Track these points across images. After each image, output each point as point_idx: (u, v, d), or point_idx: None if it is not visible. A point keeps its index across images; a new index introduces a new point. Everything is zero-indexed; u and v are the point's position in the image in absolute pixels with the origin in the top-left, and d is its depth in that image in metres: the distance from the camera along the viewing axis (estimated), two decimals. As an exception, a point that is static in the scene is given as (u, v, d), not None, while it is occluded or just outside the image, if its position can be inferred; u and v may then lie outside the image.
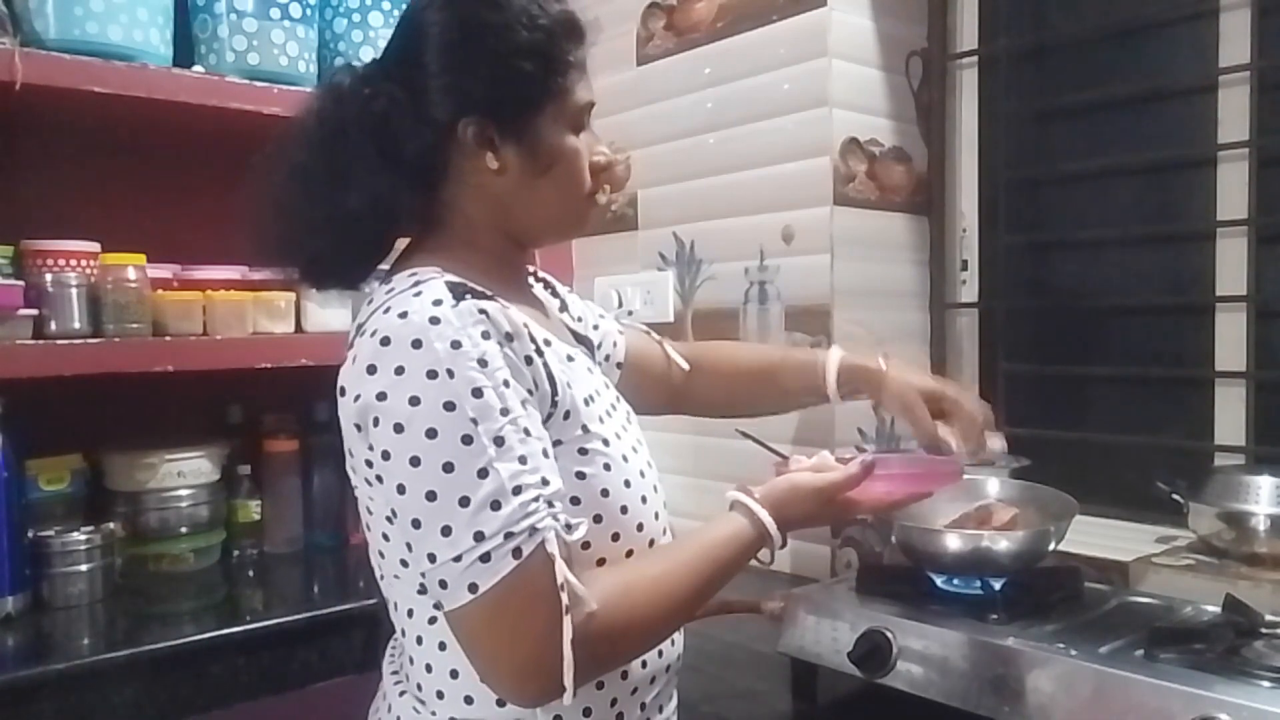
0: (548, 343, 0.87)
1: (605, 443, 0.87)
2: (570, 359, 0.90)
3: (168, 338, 1.49)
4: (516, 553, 0.74)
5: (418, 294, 0.79)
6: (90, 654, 1.25)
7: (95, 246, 1.49)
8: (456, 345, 0.76)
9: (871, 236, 1.67)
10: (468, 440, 0.75)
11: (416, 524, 0.76)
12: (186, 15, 1.60)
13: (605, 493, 0.85)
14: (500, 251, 0.94)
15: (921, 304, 1.77)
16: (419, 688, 0.88)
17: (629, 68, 1.91)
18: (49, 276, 1.42)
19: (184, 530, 1.59)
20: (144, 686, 1.23)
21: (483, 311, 0.78)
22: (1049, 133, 1.73)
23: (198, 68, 1.57)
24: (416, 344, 0.76)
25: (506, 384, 0.77)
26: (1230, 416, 1.47)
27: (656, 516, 0.91)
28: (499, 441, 0.75)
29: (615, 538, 0.86)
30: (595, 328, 1.13)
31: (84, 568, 1.42)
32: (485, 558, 0.74)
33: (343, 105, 0.89)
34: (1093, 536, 1.38)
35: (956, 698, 1.01)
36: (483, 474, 0.75)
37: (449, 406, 0.75)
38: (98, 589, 1.44)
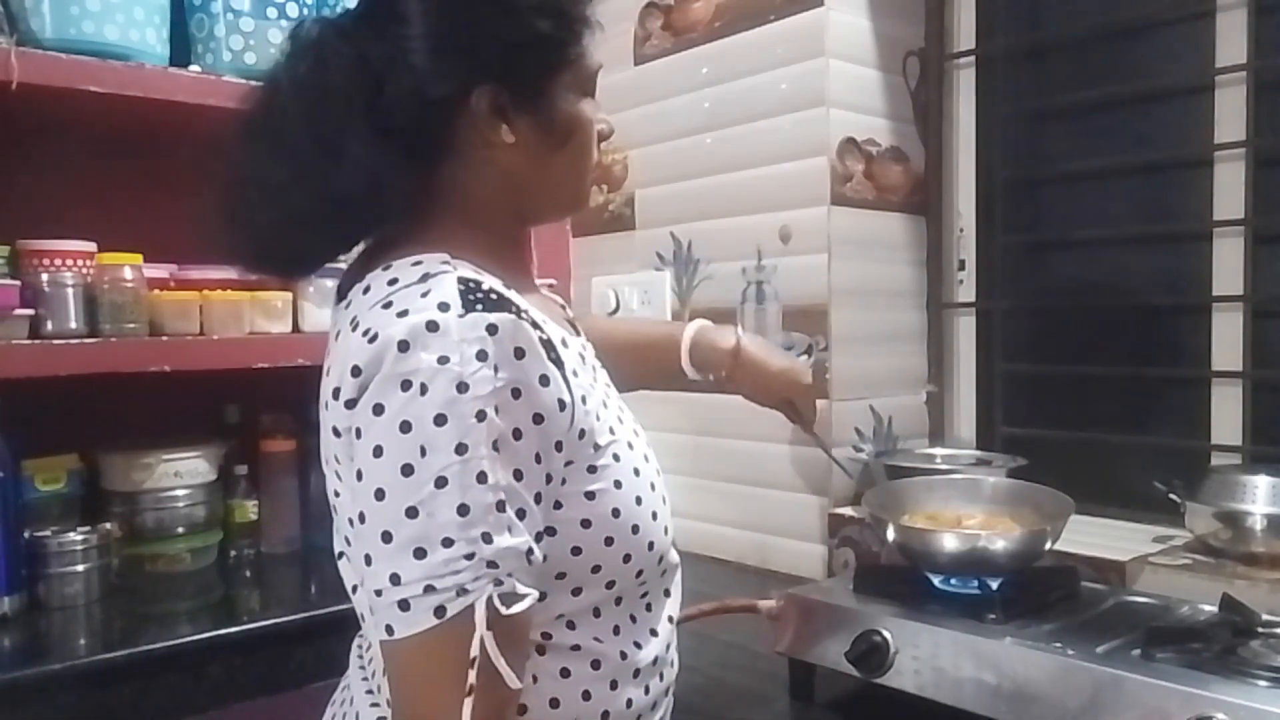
0: (565, 343, 0.78)
1: (616, 458, 0.79)
2: (583, 357, 0.83)
3: (164, 337, 1.49)
4: (439, 611, 0.66)
5: (425, 292, 0.71)
6: (87, 654, 1.24)
7: (91, 246, 1.48)
8: (444, 360, 0.67)
9: (869, 236, 1.67)
10: (407, 471, 0.67)
11: (354, 531, 0.72)
12: (183, 14, 1.59)
13: (616, 512, 0.78)
14: (505, 232, 0.85)
15: (919, 304, 1.77)
16: (388, 703, 0.80)
17: (626, 67, 1.91)
18: (45, 276, 1.41)
19: (181, 530, 1.59)
20: (141, 687, 1.23)
21: (491, 327, 0.69)
22: (1046, 133, 1.73)
23: (194, 67, 1.57)
24: (403, 346, 0.68)
25: (480, 416, 0.67)
26: (1227, 416, 1.47)
27: (666, 531, 0.85)
28: (440, 482, 0.66)
29: (626, 559, 0.80)
30: None
31: (80, 568, 1.42)
32: (404, 605, 0.66)
33: (325, 69, 0.76)
34: (1090, 536, 1.38)
35: (954, 697, 1.01)
36: (411, 513, 0.66)
37: (405, 427, 0.67)
38: (94, 589, 1.43)
